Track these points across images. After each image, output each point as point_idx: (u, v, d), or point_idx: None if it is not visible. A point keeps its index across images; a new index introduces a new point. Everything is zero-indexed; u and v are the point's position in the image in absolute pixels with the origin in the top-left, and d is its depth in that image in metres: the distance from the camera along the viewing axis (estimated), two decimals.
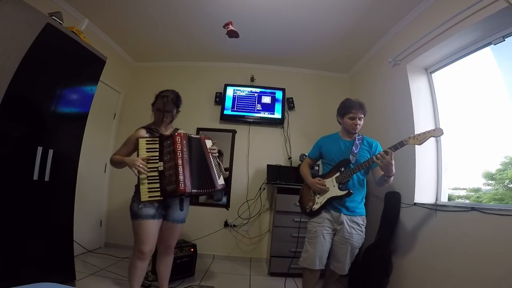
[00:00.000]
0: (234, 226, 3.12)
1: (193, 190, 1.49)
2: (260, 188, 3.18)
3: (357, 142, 1.83)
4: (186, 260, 2.32)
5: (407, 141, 1.55)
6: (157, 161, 1.50)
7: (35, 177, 1.67)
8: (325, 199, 1.77)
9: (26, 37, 1.55)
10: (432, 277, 1.77)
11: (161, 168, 1.49)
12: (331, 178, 1.79)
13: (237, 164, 3.27)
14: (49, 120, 1.80)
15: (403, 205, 2.14)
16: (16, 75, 1.49)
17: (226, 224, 3.12)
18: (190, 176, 1.50)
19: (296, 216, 2.54)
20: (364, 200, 1.84)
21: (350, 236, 1.72)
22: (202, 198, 3.18)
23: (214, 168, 1.62)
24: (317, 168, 2.71)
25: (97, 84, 2.20)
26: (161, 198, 1.47)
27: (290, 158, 3.28)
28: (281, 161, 3.26)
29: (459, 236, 1.64)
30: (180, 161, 1.47)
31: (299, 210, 2.51)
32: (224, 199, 3.20)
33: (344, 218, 1.74)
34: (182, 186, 1.43)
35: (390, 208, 2.21)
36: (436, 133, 1.49)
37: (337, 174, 1.77)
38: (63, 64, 1.85)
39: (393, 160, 1.55)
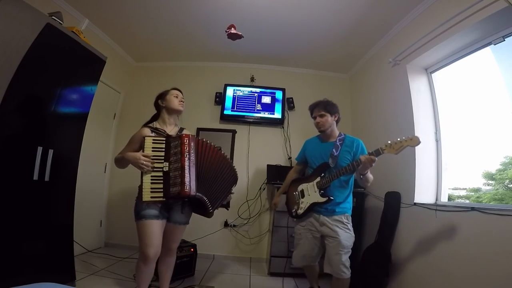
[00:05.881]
0: (234, 226, 3.12)
1: (197, 194, 1.46)
2: (260, 188, 3.17)
3: (337, 143, 1.77)
4: (186, 260, 2.32)
5: (383, 149, 1.47)
6: (162, 161, 1.47)
7: (35, 177, 1.66)
8: (308, 204, 1.76)
9: (26, 37, 1.55)
10: (432, 277, 1.77)
11: (166, 169, 1.45)
12: (312, 183, 1.77)
13: (237, 164, 3.18)
14: (49, 120, 1.80)
15: (403, 205, 2.14)
16: (16, 75, 1.48)
17: (226, 224, 3.12)
18: (196, 179, 1.46)
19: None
20: (348, 199, 1.78)
21: (335, 234, 1.67)
22: None
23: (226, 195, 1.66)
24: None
25: (97, 84, 2.20)
26: (164, 199, 1.43)
27: (290, 158, 3.27)
28: (281, 161, 3.26)
29: (459, 236, 1.64)
30: (187, 163, 1.43)
31: None
32: None
33: (325, 219, 1.72)
34: (187, 188, 1.40)
35: (390, 208, 2.21)
36: (413, 142, 1.39)
37: (318, 179, 1.75)
38: (63, 64, 1.85)
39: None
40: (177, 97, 1.69)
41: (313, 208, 1.76)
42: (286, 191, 2.01)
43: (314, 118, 1.84)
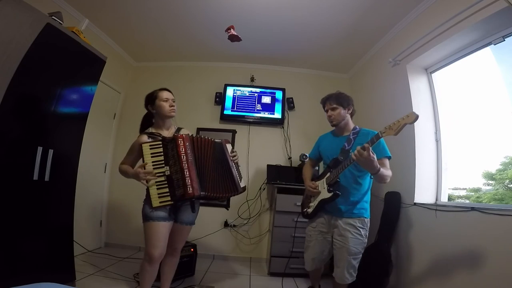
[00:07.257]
0: (234, 226, 3.11)
1: (201, 193, 1.46)
2: (260, 188, 3.17)
3: (351, 137, 1.67)
4: (186, 260, 2.31)
5: (383, 132, 1.36)
6: (163, 165, 1.48)
7: (35, 177, 1.67)
8: (317, 202, 1.70)
9: (26, 37, 1.55)
10: (432, 277, 1.77)
11: (167, 173, 1.47)
12: (323, 180, 1.70)
13: None
14: (49, 120, 1.80)
15: (403, 205, 2.14)
16: (16, 75, 1.48)
17: (226, 224, 3.12)
18: (198, 178, 1.48)
19: (296, 216, 2.54)
20: (365, 199, 1.68)
21: (344, 240, 1.59)
22: None
23: (236, 172, 1.63)
24: (317, 168, 2.71)
25: (97, 84, 2.20)
26: (172, 202, 1.46)
27: (290, 158, 3.27)
28: (281, 161, 3.26)
29: (459, 236, 1.64)
30: (185, 165, 1.45)
31: (299, 210, 2.52)
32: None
33: (337, 221, 1.64)
34: (190, 190, 1.42)
35: (390, 208, 2.21)
36: (410, 119, 1.28)
37: (328, 174, 1.67)
38: (63, 64, 1.85)
39: (373, 156, 1.35)
40: (166, 101, 1.62)
41: (323, 206, 1.67)
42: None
43: (326, 111, 1.76)
